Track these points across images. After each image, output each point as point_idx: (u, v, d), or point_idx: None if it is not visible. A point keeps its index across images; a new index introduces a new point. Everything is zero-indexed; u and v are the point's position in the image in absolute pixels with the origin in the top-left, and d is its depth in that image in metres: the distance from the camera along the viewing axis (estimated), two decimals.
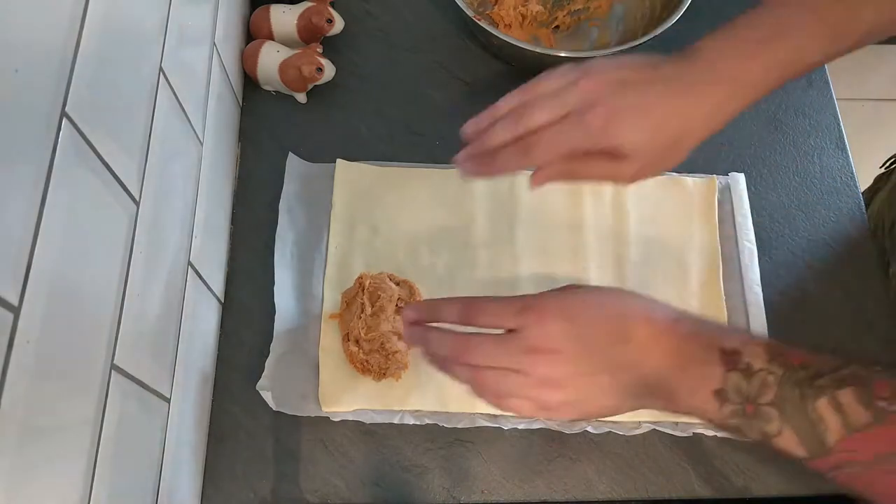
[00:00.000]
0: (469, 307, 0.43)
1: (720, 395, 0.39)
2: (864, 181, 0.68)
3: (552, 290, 0.43)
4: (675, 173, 0.64)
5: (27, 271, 0.28)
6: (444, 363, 0.43)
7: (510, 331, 0.41)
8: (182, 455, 0.48)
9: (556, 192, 0.61)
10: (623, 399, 0.42)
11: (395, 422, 0.54)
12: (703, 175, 0.64)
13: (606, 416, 0.44)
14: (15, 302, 0.28)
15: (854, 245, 0.64)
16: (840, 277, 0.62)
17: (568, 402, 0.41)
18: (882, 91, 1.67)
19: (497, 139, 0.44)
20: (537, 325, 0.41)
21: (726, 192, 0.63)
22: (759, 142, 0.68)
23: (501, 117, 0.45)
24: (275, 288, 0.57)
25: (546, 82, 0.45)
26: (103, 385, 0.36)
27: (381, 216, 0.61)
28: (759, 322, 0.58)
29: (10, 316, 0.27)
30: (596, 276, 0.60)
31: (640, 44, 0.61)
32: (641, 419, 0.54)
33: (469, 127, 0.47)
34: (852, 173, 0.67)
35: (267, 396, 0.53)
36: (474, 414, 0.54)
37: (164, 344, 0.45)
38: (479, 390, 0.42)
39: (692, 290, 0.59)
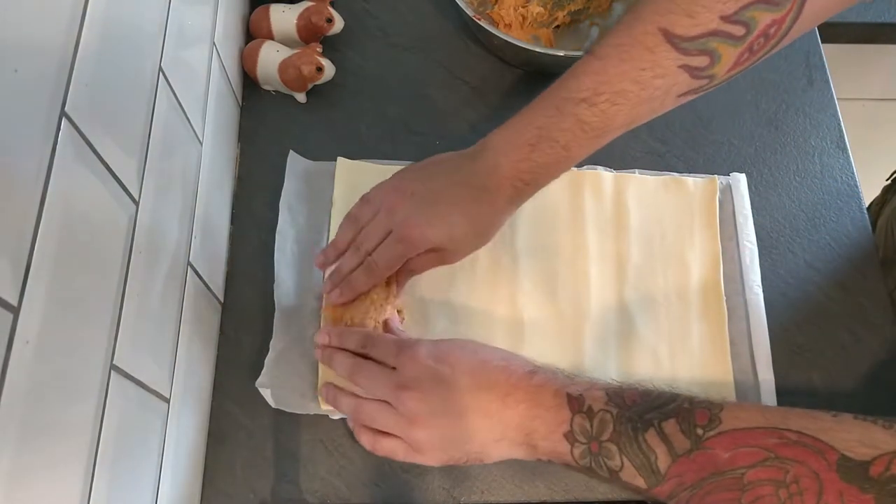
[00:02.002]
0: (367, 339, 0.50)
1: (569, 437, 0.44)
2: (865, 181, 0.67)
3: (437, 339, 0.50)
4: (675, 173, 0.64)
5: (27, 271, 0.28)
6: (335, 396, 0.51)
7: (393, 368, 0.48)
8: (182, 455, 0.48)
9: (557, 192, 0.62)
10: (485, 445, 0.46)
11: None
12: (704, 175, 0.64)
13: (473, 462, 0.48)
14: (14, 302, 0.28)
15: (854, 245, 0.64)
16: (840, 277, 0.62)
17: (433, 442, 0.46)
18: (882, 91, 1.67)
19: (348, 267, 0.53)
20: (409, 363, 0.47)
21: (727, 193, 0.63)
22: (760, 142, 0.68)
23: (343, 250, 0.54)
24: (275, 285, 0.57)
25: (364, 210, 0.53)
26: (103, 385, 0.36)
27: None
28: (759, 322, 0.58)
29: (10, 316, 0.27)
30: (596, 275, 0.60)
31: None
32: None
33: (318, 260, 0.55)
34: (853, 173, 0.67)
35: (266, 394, 0.53)
36: None
37: (164, 344, 0.45)
38: (358, 418, 0.49)
39: (693, 291, 0.59)
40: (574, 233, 0.61)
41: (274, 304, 0.56)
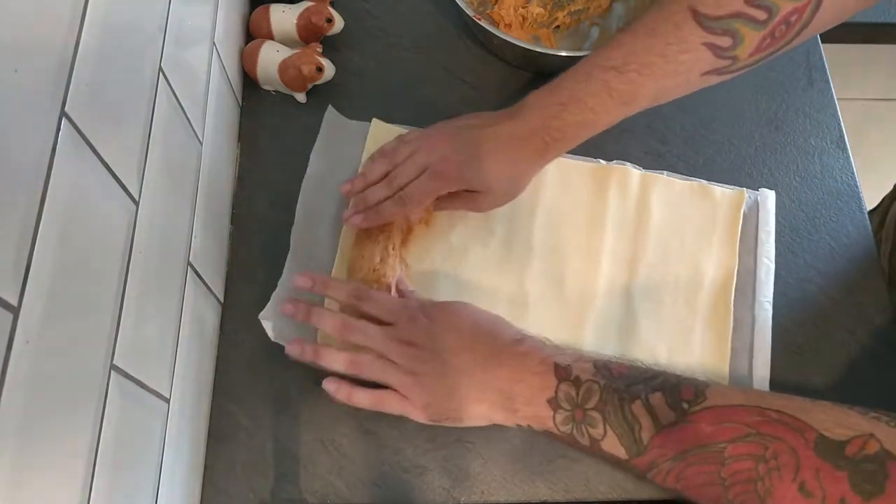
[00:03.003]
0: (361, 291, 0.52)
1: (552, 403, 0.46)
2: (865, 181, 0.67)
3: (432, 301, 0.53)
4: (704, 181, 0.63)
5: (27, 271, 0.28)
6: (316, 353, 0.50)
7: (387, 325, 0.50)
8: (182, 455, 0.48)
9: (582, 183, 0.62)
10: (464, 404, 0.48)
11: None
12: (732, 187, 0.64)
13: (457, 423, 0.50)
14: (14, 302, 0.28)
15: (855, 244, 0.64)
16: (840, 277, 0.62)
17: (423, 397, 0.48)
18: (882, 91, 1.67)
19: (377, 197, 0.55)
20: (408, 322, 0.50)
21: (754, 207, 0.63)
22: (760, 142, 0.68)
23: (373, 181, 0.56)
24: (293, 227, 0.58)
25: (401, 148, 0.56)
26: (103, 385, 0.36)
27: None
28: (763, 338, 0.57)
29: (10, 316, 0.27)
30: (607, 267, 0.60)
31: None
32: None
33: (344, 188, 0.57)
34: (853, 173, 0.67)
35: (267, 326, 0.54)
36: None
37: (164, 344, 0.45)
38: (359, 371, 0.49)
39: (702, 298, 0.59)
40: (592, 224, 0.61)
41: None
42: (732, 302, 0.59)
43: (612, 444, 0.44)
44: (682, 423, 0.42)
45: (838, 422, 0.38)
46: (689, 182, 0.63)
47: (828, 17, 0.47)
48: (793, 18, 0.46)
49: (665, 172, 0.64)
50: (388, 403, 0.49)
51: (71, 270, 0.32)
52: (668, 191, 0.63)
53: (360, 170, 0.62)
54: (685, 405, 0.43)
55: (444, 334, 0.49)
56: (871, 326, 0.60)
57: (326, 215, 0.61)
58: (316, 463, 0.54)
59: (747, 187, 0.64)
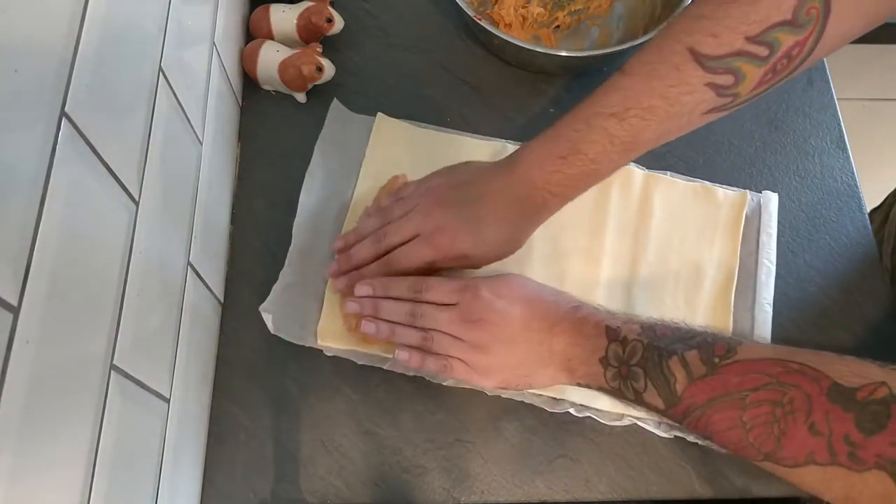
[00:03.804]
0: (419, 283, 0.53)
1: (603, 361, 0.49)
2: (865, 181, 0.67)
3: (488, 276, 0.54)
4: (707, 182, 0.63)
5: (27, 271, 0.28)
6: (392, 331, 0.53)
7: (451, 305, 0.52)
8: (182, 455, 0.48)
9: None
10: (534, 368, 0.51)
11: (385, 368, 0.55)
12: (735, 189, 0.63)
13: (526, 388, 0.54)
14: (14, 302, 0.28)
15: (855, 244, 0.64)
16: (840, 277, 0.62)
17: (492, 368, 0.51)
18: (882, 91, 1.67)
19: (362, 256, 0.55)
20: (473, 300, 0.51)
21: (756, 209, 0.63)
22: (760, 142, 0.68)
23: (364, 237, 0.55)
24: (295, 219, 0.59)
25: (396, 207, 0.55)
26: (103, 385, 0.36)
27: (410, 173, 0.61)
28: (763, 339, 0.57)
29: (10, 316, 0.27)
30: (608, 266, 0.60)
31: (640, 43, 0.61)
32: (622, 411, 0.54)
33: (338, 244, 0.57)
34: (853, 173, 0.67)
35: (267, 319, 0.54)
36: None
37: (164, 344, 0.45)
38: (428, 346, 0.52)
39: (702, 298, 0.59)
40: (594, 223, 0.61)
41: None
42: (732, 303, 0.59)
43: (652, 396, 0.47)
44: (712, 376, 0.45)
45: (854, 372, 0.40)
46: (692, 183, 0.63)
47: (829, 46, 0.46)
48: (794, 52, 0.45)
49: (668, 173, 0.64)
50: (457, 371, 0.52)
51: (71, 270, 0.32)
52: (671, 191, 0.63)
53: (362, 167, 0.62)
54: (716, 360, 0.45)
55: (509, 307, 0.51)
56: (871, 326, 0.60)
57: (329, 209, 0.61)
58: (316, 463, 0.54)
59: (747, 187, 0.64)
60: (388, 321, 0.53)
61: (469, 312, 0.51)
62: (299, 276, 0.57)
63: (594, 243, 0.60)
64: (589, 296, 0.58)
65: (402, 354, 0.52)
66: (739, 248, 0.61)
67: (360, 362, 0.55)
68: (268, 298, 0.55)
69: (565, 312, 0.52)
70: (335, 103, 0.65)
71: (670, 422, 0.49)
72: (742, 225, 0.62)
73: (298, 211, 0.59)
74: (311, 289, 0.57)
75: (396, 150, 0.63)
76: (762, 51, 0.45)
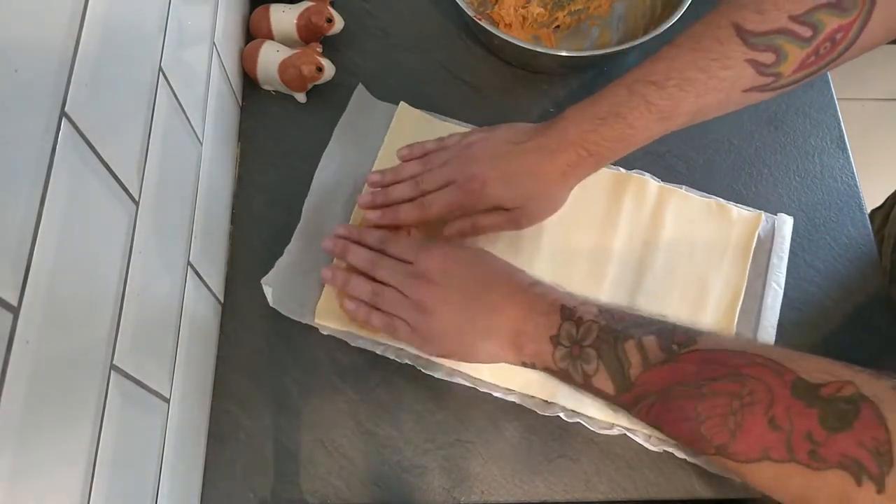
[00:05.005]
0: (386, 235, 0.55)
1: (554, 340, 0.48)
2: (865, 181, 0.67)
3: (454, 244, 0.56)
4: (722, 200, 0.63)
5: (27, 271, 0.28)
6: (348, 281, 0.54)
7: (408, 263, 0.52)
8: (182, 455, 0.48)
9: (599, 189, 0.62)
10: (477, 339, 0.50)
11: (378, 353, 0.56)
12: (750, 209, 0.63)
13: (465, 359, 0.52)
14: (14, 302, 0.28)
15: (854, 245, 0.64)
16: (840, 277, 0.62)
17: (433, 331, 0.50)
18: (882, 91, 1.67)
19: (399, 195, 0.56)
20: (426, 259, 0.52)
21: (769, 231, 0.62)
22: (760, 142, 0.68)
23: (402, 179, 0.57)
24: (307, 197, 0.59)
25: (437, 155, 0.57)
26: (103, 385, 0.36)
27: None
28: None
29: (10, 316, 0.27)
30: (613, 276, 0.59)
31: (640, 43, 0.61)
32: (613, 421, 0.54)
33: (373, 177, 0.58)
34: (853, 173, 0.67)
35: (268, 292, 0.55)
36: (453, 370, 0.55)
37: (164, 344, 0.45)
38: (374, 300, 0.52)
39: (705, 315, 0.58)
40: (604, 228, 0.61)
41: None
42: (736, 323, 0.58)
43: (602, 380, 0.46)
44: (670, 363, 0.44)
45: (821, 368, 0.39)
46: (706, 199, 0.63)
47: (876, 34, 0.46)
48: (838, 36, 0.46)
49: (683, 187, 0.63)
50: (399, 332, 0.51)
51: (71, 270, 0.32)
52: (685, 205, 0.62)
53: (379, 153, 0.63)
54: (675, 347, 0.44)
55: (462, 271, 0.51)
56: (871, 326, 0.60)
57: (342, 191, 0.62)
58: (316, 463, 0.54)
59: (747, 187, 0.64)
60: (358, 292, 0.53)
61: (420, 271, 0.51)
62: (304, 253, 0.58)
63: (602, 248, 0.60)
64: (592, 296, 0.58)
65: (349, 304, 0.53)
66: (749, 268, 0.60)
67: (353, 344, 0.56)
68: (270, 272, 0.56)
69: (520, 287, 0.51)
70: (360, 88, 0.65)
71: (666, 442, 0.47)
72: (753, 245, 0.61)
73: (311, 189, 0.60)
74: (315, 268, 0.58)
75: (415, 138, 0.62)
76: (805, 31, 0.45)
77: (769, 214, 0.63)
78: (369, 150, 0.64)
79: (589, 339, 0.47)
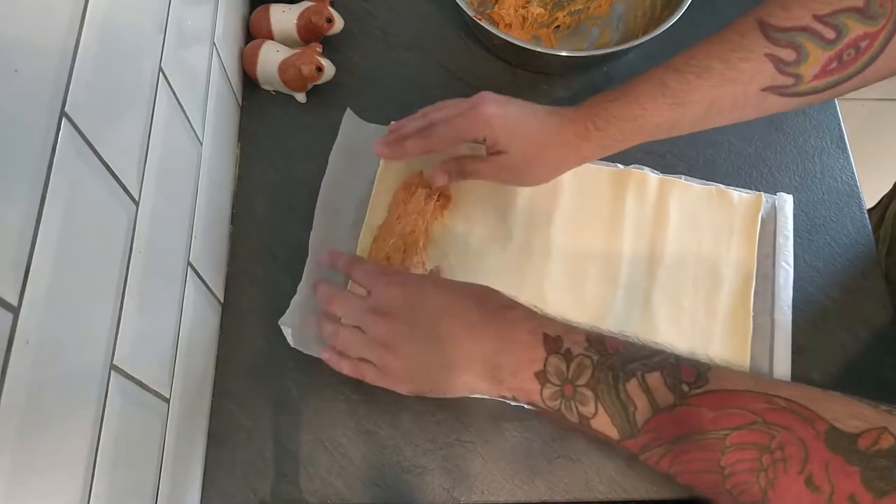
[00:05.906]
0: (351, 263, 0.53)
1: (540, 376, 0.44)
2: (865, 181, 0.67)
3: (417, 273, 0.54)
4: (721, 185, 0.63)
5: (26, 271, 0.28)
6: (322, 324, 0.51)
7: (369, 293, 0.49)
8: (182, 455, 0.48)
9: (600, 187, 0.62)
10: (451, 374, 0.46)
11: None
12: (749, 191, 0.63)
13: (442, 394, 0.48)
14: (14, 302, 0.28)
15: (855, 244, 0.64)
16: (840, 277, 0.62)
17: (400, 369, 0.47)
18: (882, 91, 1.67)
19: (407, 129, 0.56)
20: (382, 289, 0.48)
21: (771, 211, 0.63)
22: (760, 142, 0.68)
23: (410, 134, 0.56)
24: (311, 233, 0.59)
25: (454, 102, 0.56)
26: (103, 385, 0.36)
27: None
28: (784, 343, 0.57)
29: (10, 316, 0.27)
30: (626, 272, 0.59)
31: (640, 43, 0.61)
32: None
33: (394, 124, 0.59)
34: (853, 173, 0.67)
35: (287, 332, 0.54)
36: None
37: (164, 344, 0.45)
38: (334, 342, 0.50)
39: (721, 302, 0.59)
40: (611, 229, 0.61)
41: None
42: (752, 306, 0.58)
43: (604, 424, 0.42)
44: (682, 407, 0.40)
45: (850, 413, 0.36)
46: (706, 186, 0.63)
47: None
48: (863, 44, 0.45)
49: (682, 177, 0.63)
50: (367, 376, 0.49)
51: (71, 270, 0.32)
52: (686, 195, 0.63)
53: (377, 174, 0.63)
54: (685, 387, 0.40)
55: (425, 300, 0.47)
56: (871, 326, 0.60)
57: (345, 218, 0.61)
58: (316, 463, 0.54)
59: (747, 187, 0.64)
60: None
61: (376, 302, 0.48)
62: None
63: (612, 247, 0.60)
64: (608, 300, 0.58)
65: (324, 354, 0.51)
66: (756, 250, 0.61)
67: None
68: (286, 312, 0.55)
69: (492, 312, 0.46)
70: (348, 113, 0.64)
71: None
72: (758, 227, 0.61)
73: (314, 225, 0.59)
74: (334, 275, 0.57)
75: (411, 160, 0.62)
76: (829, 32, 0.45)
77: (769, 195, 0.63)
78: (366, 174, 0.62)
79: (583, 378, 0.42)
